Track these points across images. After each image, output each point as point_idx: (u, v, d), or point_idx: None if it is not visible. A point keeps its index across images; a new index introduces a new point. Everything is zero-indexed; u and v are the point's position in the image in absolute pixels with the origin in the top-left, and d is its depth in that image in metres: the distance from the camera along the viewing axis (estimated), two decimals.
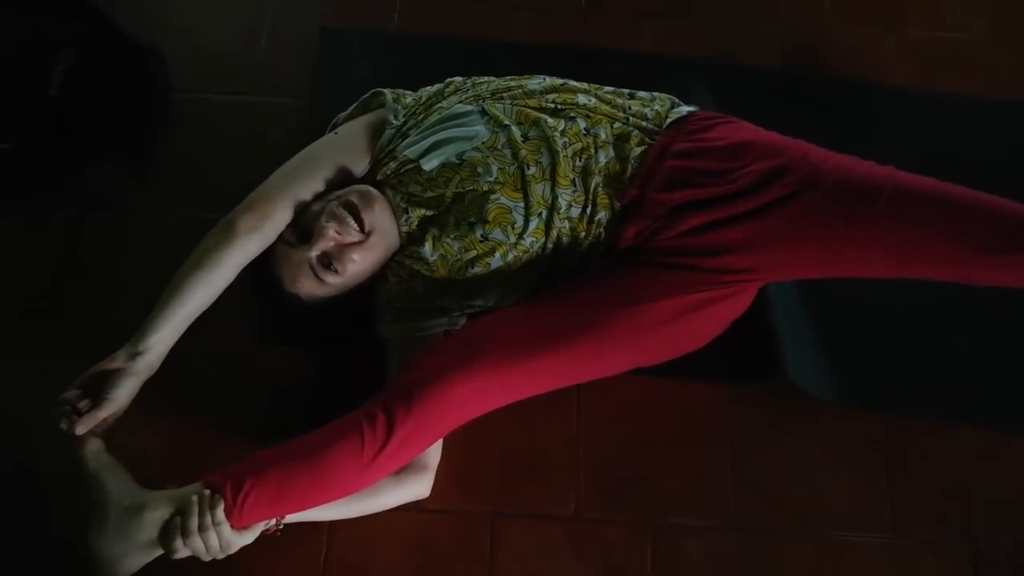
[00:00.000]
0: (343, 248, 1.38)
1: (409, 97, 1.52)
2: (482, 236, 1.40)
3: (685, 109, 1.48)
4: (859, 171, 1.34)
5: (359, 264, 1.39)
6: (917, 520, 1.46)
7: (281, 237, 1.39)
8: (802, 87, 1.86)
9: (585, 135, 1.42)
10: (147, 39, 1.77)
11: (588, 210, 1.41)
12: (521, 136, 1.41)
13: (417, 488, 1.37)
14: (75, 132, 1.69)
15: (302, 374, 1.51)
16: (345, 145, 1.47)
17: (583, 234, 1.42)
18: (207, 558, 1.20)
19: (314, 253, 1.37)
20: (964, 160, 1.68)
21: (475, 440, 1.43)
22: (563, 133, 1.41)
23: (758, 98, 1.80)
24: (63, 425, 1.23)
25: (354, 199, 1.39)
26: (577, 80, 1.53)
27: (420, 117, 1.48)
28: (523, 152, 1.40)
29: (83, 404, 1.24)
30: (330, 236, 1.36)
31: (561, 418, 1.50)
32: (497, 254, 1.41)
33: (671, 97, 1.52)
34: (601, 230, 1.42)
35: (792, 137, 1.42)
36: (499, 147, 1.41)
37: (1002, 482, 1.50)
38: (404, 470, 1.34)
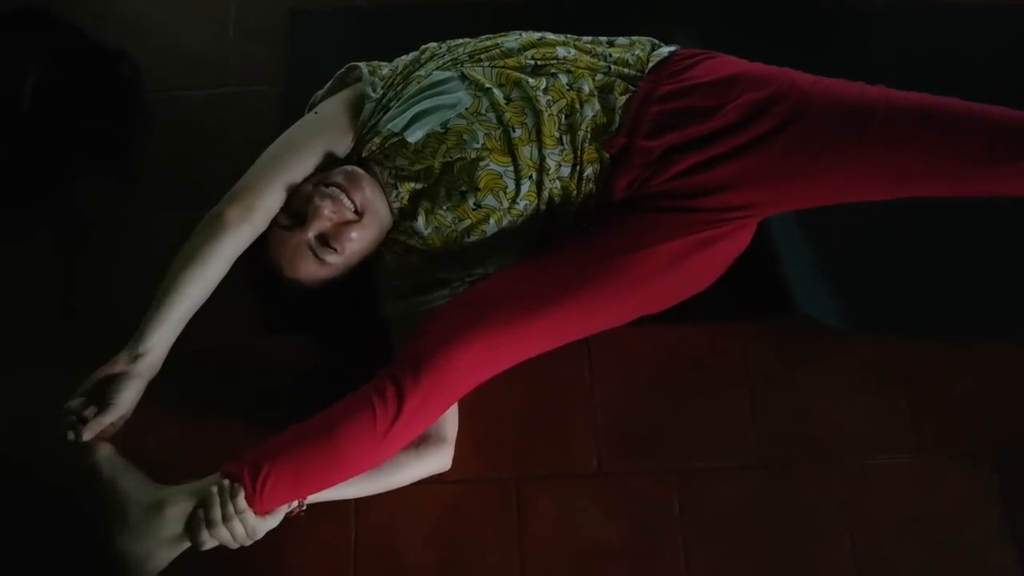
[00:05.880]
0: (339, 227, 1.36)
1: (385, 68, 1.50)
2: (475, 204, 1.38)
3: (666, 50, 1.46)
4: (850, 94, 1.31)
5: (356, 243, 1.37)
6: (940, 437, 1.46)
7: (275, 222, 1.37)
8: (785, 10, 1.82)
9: (568, 90, 1.39)
10: (116, 43, 1.75)
11: (578, 167, 1.39)
12: (504, 98, 1.39)
13: (438, 461, 1.36)
14: (54, 145, 1.66)
15: (306, 361, 1.51)
16: (326, 124, 1.45)
17: (575, 191, 1.40)
18: (235, 546, 1.19)
19: (311, 234, 1.35)
20: (954, 69, 1.66)
21: (491, 407, 1.42)
22: (546, 91, 1.39)
23: (741, 29, 1.77)
24: (70, 435, 1.21)
25: (341, 180, 1.37)
26: (554, 33, 1.50)
27: (399, 88, 1.46)
28: (507, 115, 1.38)
29: (88, 411, 1.23)
30: (325, 216, 1.35)
31: (574, 376, 1.49)
32: (492, 220, 1.39)
33: (651, 39, 1.49)
34: (592, 185, 1.40)
35: (779, 66, 1.39)
36: (483, 112, 1.38)
37: (1021, 391, 1.49)
38: (423, 444, 1.33)
